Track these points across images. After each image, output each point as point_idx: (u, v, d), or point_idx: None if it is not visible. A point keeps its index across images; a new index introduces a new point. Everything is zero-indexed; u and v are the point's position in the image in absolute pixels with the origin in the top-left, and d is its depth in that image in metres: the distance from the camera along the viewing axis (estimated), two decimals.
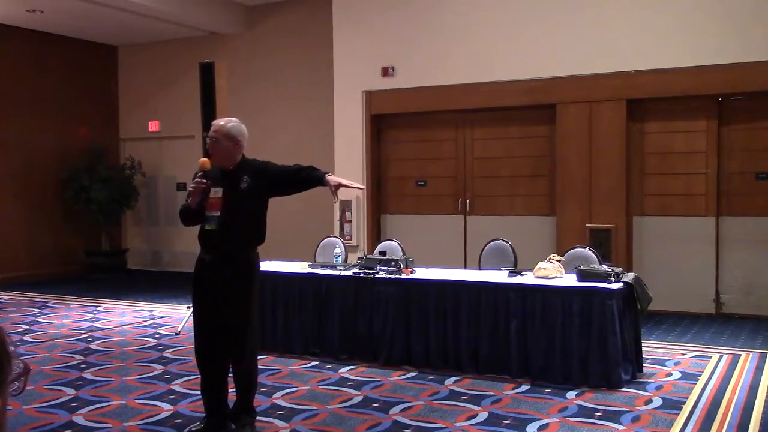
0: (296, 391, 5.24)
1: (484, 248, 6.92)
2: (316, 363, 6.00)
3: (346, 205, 9.42)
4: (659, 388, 5.24)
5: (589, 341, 5.26)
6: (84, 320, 8.06)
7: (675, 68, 7.95)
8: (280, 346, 6.30)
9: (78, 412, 4.78)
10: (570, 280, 5.52)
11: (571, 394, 5.07)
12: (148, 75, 12.25)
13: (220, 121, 4.32)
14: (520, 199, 8.98)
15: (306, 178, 4.25)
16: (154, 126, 12.29)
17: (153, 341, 6.95)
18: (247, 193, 4.20)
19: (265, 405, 4.88)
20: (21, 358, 1.22)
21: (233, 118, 4.39)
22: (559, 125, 8.55)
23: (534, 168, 8.89)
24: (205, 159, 4.30)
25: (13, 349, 1.16)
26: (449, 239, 9.29)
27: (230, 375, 4.34)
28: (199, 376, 4.37)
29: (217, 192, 4.21)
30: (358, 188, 4.53)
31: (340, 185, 4.18)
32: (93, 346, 6.79)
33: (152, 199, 12.58)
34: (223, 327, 4.21)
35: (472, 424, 4.49)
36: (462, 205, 9.29)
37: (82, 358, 6.31)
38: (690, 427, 4.43)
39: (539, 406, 4.82)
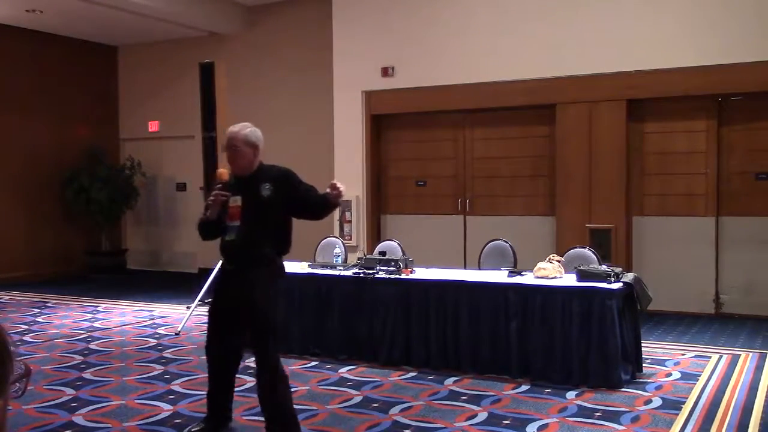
0: (296, 391, 5.23)
1: (483, 248, 6.92)
2: (316, 363, 6.00)
3: (346, 205, 9.41)
4: (659, 388, 5.24)
5: (589, 341, 5.26)
6: (84, 320, 8.05)
7: (675, 68, 7.95)
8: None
9: (78, 412, 4.78)
10: (570, 280, 5.52)
11: (570, 394, 5.07)
12: (148, 75, 12.24)
13: (234, 128, 4.11)
14: (520, 199, 8.97)
15: (316, 201, 4.14)
16: (154, 126, 12.28)
17: (153, 341, 6.95)
18: (269, 200, 4.05)
19: None
20: (21, 358, 1.22)
21: (247, 123, 4.19)
22: (558, 125, 8.55)
23: (534, 168, 8.89)
24: (223, 170, 4.16)
25: (14, 349, 1.15)
26: (449, 239, 9.28)
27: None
28: (207, 380, 4.35)
29: (236, 201, 4.05)
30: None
31: (337, 190, 4.02)
32: (93, 346, 6.78)
33: (152, 199, 12.57)
34: (240, 338, 4.15)
35: (472, 424, 4.49)
36: (462, 205, 9.29)
37: (82, 358, 6.31)
38: (690, 427, 4.44)
39: (539, 406, 4.82)
